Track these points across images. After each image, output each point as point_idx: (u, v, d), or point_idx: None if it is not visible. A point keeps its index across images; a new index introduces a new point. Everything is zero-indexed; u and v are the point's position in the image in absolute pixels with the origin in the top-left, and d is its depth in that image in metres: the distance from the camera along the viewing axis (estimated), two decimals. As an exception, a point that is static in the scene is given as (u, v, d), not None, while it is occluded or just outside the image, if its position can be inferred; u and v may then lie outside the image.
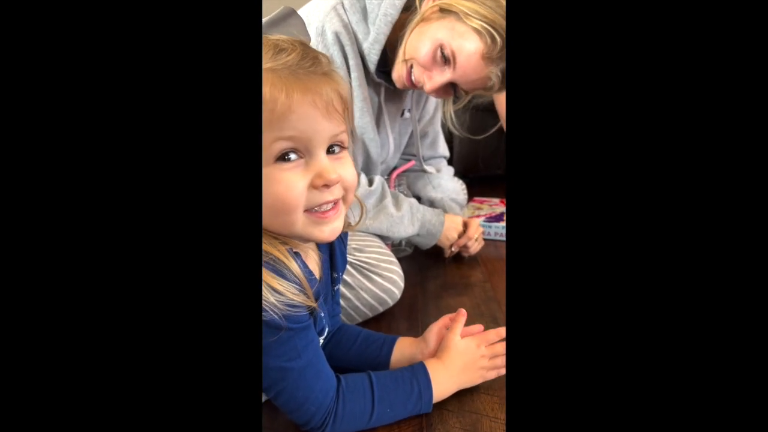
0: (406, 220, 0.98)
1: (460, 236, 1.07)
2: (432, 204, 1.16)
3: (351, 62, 0.87)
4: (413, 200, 1.03)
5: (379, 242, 0.92)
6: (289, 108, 0.45)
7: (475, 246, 1.10)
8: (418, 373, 0.61)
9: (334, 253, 0.64)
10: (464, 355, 0.64)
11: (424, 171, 1.18)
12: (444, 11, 0.79)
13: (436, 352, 0.66)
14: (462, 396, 0.65)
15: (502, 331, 0.67)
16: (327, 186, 0.48)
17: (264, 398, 0.66)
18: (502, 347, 0.66)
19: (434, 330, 0.69)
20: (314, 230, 0.50)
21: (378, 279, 0.85)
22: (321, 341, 0.61)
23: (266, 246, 0.48)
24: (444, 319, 0.70)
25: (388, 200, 0.96)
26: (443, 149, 1.25)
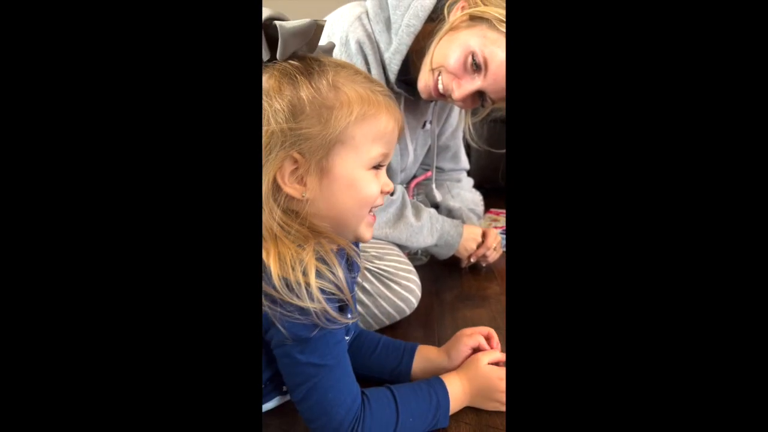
0: (426, 230, 0.98)
1: (478, 246, 1.07)
2: (450, 212, 1.15)
3: (373, 71, 0.87)
4: (433, 211, 1.02)
5: (397, 251, 0.92)
6: (393, 130, 0.57)
7: (493, 255, 1.10)
8: (435, 385, 0.62)
9: (350, 256, 0.64)
10: (483, 380, 0.64)
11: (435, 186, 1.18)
12: (474, 19, 0.78)
13: (459, 368, 0.66)
14: (480, 410, 0.64)
15: None
16: (387, 194, 0.60)
17: (275, 403, 0.66)
18: None
19: (461, 349, 0.69)
20: (366, 230, 0.60)
21: (396, 287, 0.85)
22: (347, 338, 0.61)
23: (317, 245, 0.53)
24: (474, 338, 0.70)
25: (409, 210, 0.95)
26: (465, 162, 1.25)
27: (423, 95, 0.88)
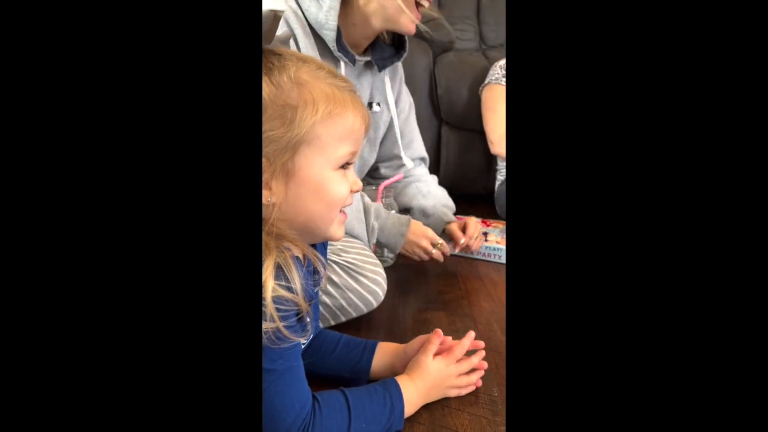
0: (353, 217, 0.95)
1: (434, 245, 1.05)
2: (425, 213, 1.15)
3: (301, 44, 0.86)
4: (377, 205, 1.02)
5: (360, 244, 0.92)
6: (360, 128, 0.55)
7: (476, 244, 1.12)
8: (390, 388, 0.61)
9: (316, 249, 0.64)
10: (434, 375, 0.65)
11: (403, 164, 1.17)
12: None
13: (406, 369, 0.66)
14: (434, 411, 0.65)
15: (465, 343, 0.69)
16: (356, 192, 0.59)
17: None
18: (466, 365, 0.68)
19: (416, 344, 0.69)
20: (338, 229, 0.58)
21: (363, 280, 0.85)
22: (303, 342, 0.61)
23: (273, 250, 0.50)
24: (424, 337, 0.70)
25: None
26: (421, 150, 1.23)
27: (412, 30, 0.91)
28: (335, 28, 0.87)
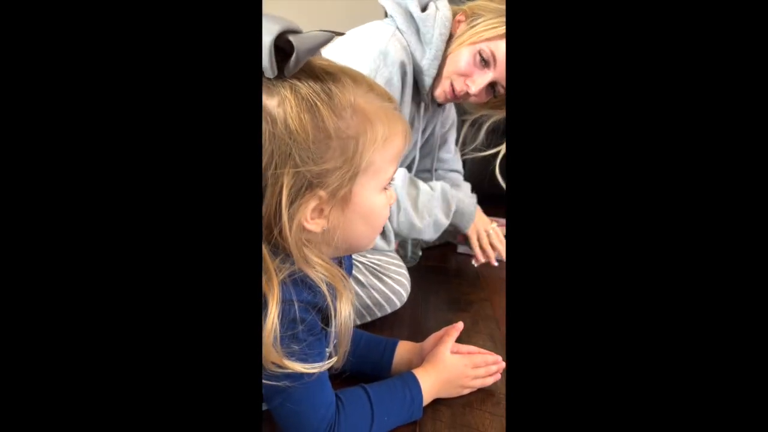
0: (438, 196, 1.00)
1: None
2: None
3: (408, 83, 0.92)
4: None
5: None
6: (405, 145, 0.54)
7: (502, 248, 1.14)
8: (408, 381, 0.64)
9: (342, 260, 0.66)
10: (450, 369, 0.67)
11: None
12: (474, 21, 0.88)
13: (424, 361, 0.68)
14: (455, 409, 0.67)
15: (489, 358, 0.70)
16: (391, 205, 0.58)
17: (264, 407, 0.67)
18: (483, 371, 0.70)
19: (432, 341, 0.71)
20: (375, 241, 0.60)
21: (388, 280, 0.89)
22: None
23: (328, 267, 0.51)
24: (442, 332, 0.72)
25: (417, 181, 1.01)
26: (458, 160, 1.26)
27: (439, 99, 0.97)
28: (434, 75, 0.92)
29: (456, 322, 0.93)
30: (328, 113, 0.46)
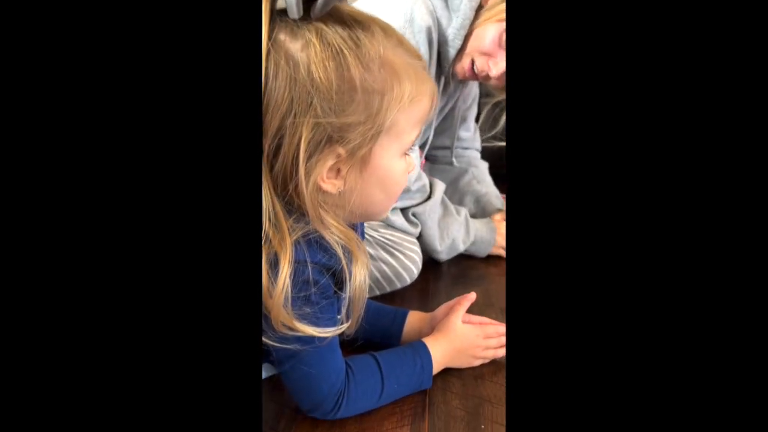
0: (462, 223, 0.99)
1: None
2: (478, 200, 1.16)
3: (433, 50, 0.87)
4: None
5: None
6: (432, 108, 0.51)
7: None
8: (419, 349, 0.63)
9: (356, 227, 0.66)
10: (462, 339, 0.66)
11: (451, 163, 1.19)
12: None
13: (434, 330, 0.68)
14: (466, 380, 0.67)
15: (501, 329, 0.69)
16: (410, 173, 0.55)
17: (265, 373, 0.67)
18: (495, 341, 0.69)
19: (443, 310, 0.71)
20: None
21: (400, 256, 0.88)
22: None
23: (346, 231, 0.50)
24: (453, 302, 0.72)
25: (449, 204, 1.00)
26: (477, 138, 1.24)
27: (458, 76, 0.92)
28: (459, 46, 0.86)
29: (462, 294, 0.94)
30: (355, 63, 0.44)
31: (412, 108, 0.48)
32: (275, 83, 0.43)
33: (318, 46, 0.43)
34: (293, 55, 0.43)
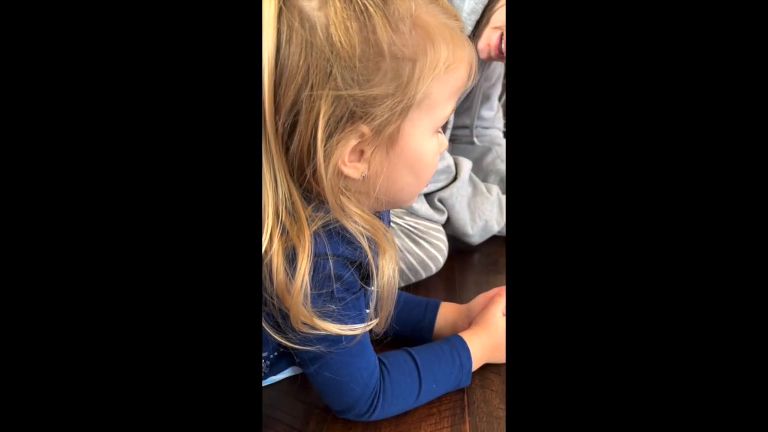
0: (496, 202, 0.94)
1: None
2: (503, 179, 1.11)
3: None
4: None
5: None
6: (468, 78, 0.43)
7: None
8: (457, 345, 0.58)
9: (381, 215, 0.61)
10: (503, 333, 0.61)
11: (473, 143, 1.14)
12: None
13: (472, 324, 0.63)
14: (504, 377, 0.62)
15: None
16: (441, 153, 0.48)
17: (289, 374, 0.63)
18: None
19: (480, 301, 0.66)
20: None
21: (425, 245, 0.83)
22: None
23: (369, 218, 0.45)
24: (492, 292, 0.67)
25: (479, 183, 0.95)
26: (500, 117, 1.19)
27: (481, 55, 0.83)
28: (471, 32, 0.80)
29: (497, 283, 0.89)
30: (382, 23, 0.37)
31: (447, 77, 0.41)
32: (288, 49, 0.37)
33: (338, 4, 0.36)
34: (309, 15, 0.37)
